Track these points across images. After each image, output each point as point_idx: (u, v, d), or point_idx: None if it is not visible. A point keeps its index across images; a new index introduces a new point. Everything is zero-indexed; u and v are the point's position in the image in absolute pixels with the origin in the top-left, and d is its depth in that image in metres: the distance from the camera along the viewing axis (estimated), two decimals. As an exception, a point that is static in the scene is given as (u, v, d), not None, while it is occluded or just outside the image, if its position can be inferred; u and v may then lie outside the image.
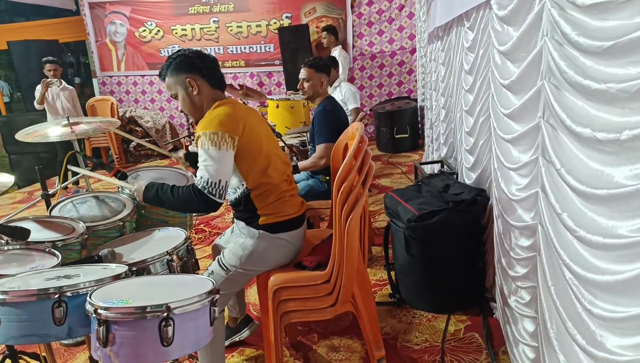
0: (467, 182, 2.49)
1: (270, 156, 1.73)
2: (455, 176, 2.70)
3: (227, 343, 2.08)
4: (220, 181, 1.57)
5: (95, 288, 1.29)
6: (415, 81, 6.23)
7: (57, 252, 1.67)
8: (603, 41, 0.96)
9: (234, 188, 1.74)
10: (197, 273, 1.84)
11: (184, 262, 1.80)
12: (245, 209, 1.74)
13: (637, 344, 0.88)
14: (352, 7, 6.28)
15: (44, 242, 1.75)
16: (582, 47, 1.05)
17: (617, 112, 0.94)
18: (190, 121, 4.57)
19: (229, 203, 1.82)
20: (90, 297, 1.21)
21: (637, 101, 0.87)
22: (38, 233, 1.82)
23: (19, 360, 1.75)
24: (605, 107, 0.99)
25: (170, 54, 1.79)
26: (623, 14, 0.90)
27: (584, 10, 1.04)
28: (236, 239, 1.78)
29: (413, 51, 6.22)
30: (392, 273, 2.48)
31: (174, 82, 1.73)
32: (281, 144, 3.11)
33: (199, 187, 1.57)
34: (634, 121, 0.88)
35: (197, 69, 1.71)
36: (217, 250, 1.99)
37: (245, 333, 2.13)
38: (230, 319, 2.14)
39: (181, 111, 1.83)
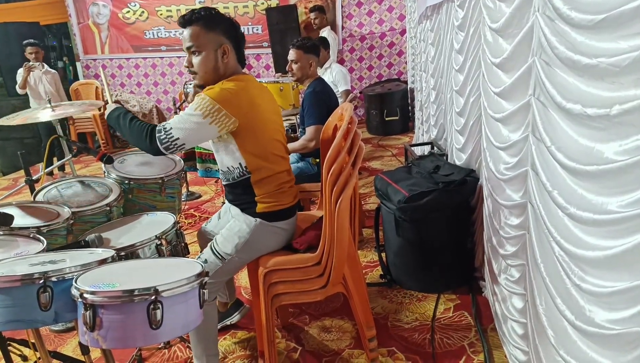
0: (457, 163, 2.49)
1: (275, 142, 1.68)
2: (445, 158, 2.70)
3: (218, 327, 2.08)
4: (179, 139, 1.52)
5: (81, 272, 1.27)
6: (405, 63, 6.19)
7: (42, 238, 1.64)
8: (594, 15, 0.94)
9: (229, 165, 1.66)
10: (187, 258, 1.82)
11: (174, 246, 1.78)
12: (243, 194, 1.69)
13: (625, 318, 0.89)
14: (341, -14, 6.17)
15: (28, 228, 1.71)
16: (573, 21, 1.03)
17: (608, 88, 0.93)
18: (178, 105, 4.50)
19: (224, 184, 1.76)
20: (76, 282, 1.19)
21: (628, 75, 0.86)
22: (22, 219, 1.79)
23: (8, 347, 1.74)
24: (595, 82, 0.98)
25: (197, 8, 1.61)
26: (615, -15, 0.88)
27: (575, -17, 1.02)
28: (230, 226, 1.72)
29: (403, 32, 6.16)
30: (383, 255, 2.49)
31: (205, 37, 1.57)
32: None
33: (157, 129, 1.54)
34: (623, 96, 0.88)
35: (235, 39, 1.63)
36: (204, 237, 1.96)
37: (235, 317, 2.13)
38: (220, 304, 2.13)
39: (186, 68, 1.66)
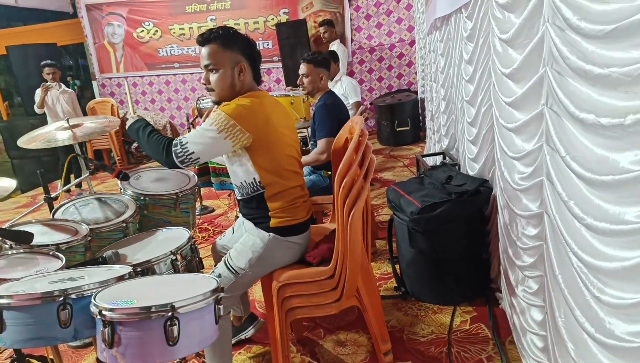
0: (470, 173, 2.48)
1: (288, 158, 1.70)
2: (457, 167, 2.69)
3: (232, 341, 2.08)
4: (194, 153, 1.56)
5: (99, 289, 1.29)
6: (415, 73, 6.20)
7: (61, 255, 1.67)
8: (605, 25, 0.94)
9: (243, 180, 1.68)
10: (202, 272, 1.83)
11: (188, 262, 1.80)
12: (257, 208, 1.70)
13: (646, 331, 0.87)
14: (349, 0, 6.24)
15: (47, 245, 1.75)
16: (583, 31, 1.03)
17: (621, 97, 0.93)
18: (191, 120, 4.56)
19: (238, 198, 1.77)
20: (94, 299, 1.21)
21: (641, 84, 0.85)
22: (42, 237, 1.82)
23: (27, 364, 1.76)
24: (608, 92, 0.97)
25: (215, 27, 1.65)
26: (625, -4, 0.88)
27: (585, -6, 1.02)
28: (244, 240, 1.73)
29: (412, 43, 6.19)
30: (397, 266, 2.47)
31: (222, 55, 1.61)
32: None
33: (173, 142, 1.58)
34: (638, 105, 0.87)
35: (251, 57, 1.67)
36: (217, 251, 1.97)
37: (250, 332, 2.12)
38: (234, 318, 2.14)
39: (203, 85, 1.69)
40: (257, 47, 1.73)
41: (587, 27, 1.01)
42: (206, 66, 1.65)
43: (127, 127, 1.77)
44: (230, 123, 1.54)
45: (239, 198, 1.77)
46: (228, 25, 1.74)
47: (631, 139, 0.90)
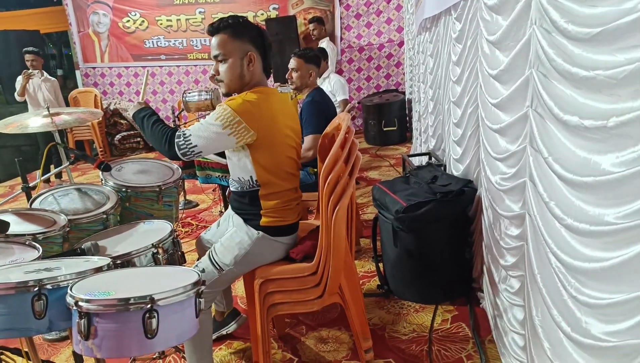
0: (455, 173, 2.50)
1: (288, 159, 1.68)
2: (443, 168, 2.71)
3: (214, 336, 2.06)
4: (196, 146, 1.54)
5: (76, 280, 1.25)
6: (403, 74, 6.23)
7: (37, 245, 1.63)
8: (591, 28, 0.95)
9: (241, 176, 1.66)
10: (184, 266, 1.81)
11: (170, 255, 1.77)
12: (249, 204, 1.68)
13: (621, 330, 0.89)
14: (340, -2, 6.24)
15: (24, 235, 1.70)
16: (570, 34, 1.05)
17: (605, 100, 0.94)
18: (176, 113, 4.50)
19: (232, 190, 1.75)
20: (71, 289, 1.18)
21: (625, 87, 0.87)
22: (18, 226, 1.77)
23: (0, 356, 1.71)
24: (593, 94, 0.99)
25: (226, 17, 1.62)
26: (611, 0, 0.90)
27: (572, -3, 1.03)
28: (232, 236, 1.70)
29: (401, 44, 6.21)
30: (380, 265, 2.48)
31: (231, 45, 1.58)
32: None
33: (176, 134, 1.56)
34: (621, 108, 0.88)
35: (262, 47, 1.64)
36: (202, 245, 1.95)
37: (232, 327, 2.11)
38: (216, 313, 2.12)
39: (212, 76, 1.67)
40: (269, 39, 1.69)
41: (574, 30, 1.02)
42: (215, 57, 1.62)
43: (131, 113, 1.74)
44: (235, 120, 1.51)
45: (232, 189, 1.75)
46: (239, 15, 1.70)
47: (614, 141, 0.91)
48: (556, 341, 1.17)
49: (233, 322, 2.11)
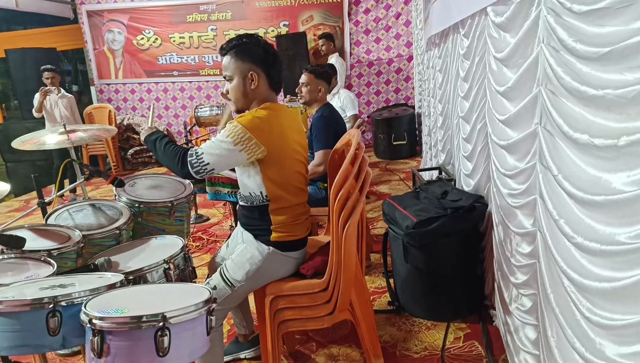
0: (466, 188, 2.49)
1: (297, 174, 1.71)
2: (453, 183, 2.70)
3: (229, 358, 2.05)
4: (209, 164, 1.56)
5: (90, 297, 1.27)
6: (413, 88, 6.25)
7: (52, 261, 1.65)
8: (600, 47, 0.96)
9: (251, 191, 1.68)
10: (195, 282, 1.82)
11: (181, 270, 1.78)
12: (259, 220, 1.69)
13: (636, 352, 0.87)
14: (349, 15, 6.32)
15: (39, 251, 1.73)
16: (578, 53, 1.05)
17: (615, 118, 0.94)
18: (188, 128, 4.57)
19: (241, 205, 1.76)
20: (85, 307, 1.20)
21: (635, 106, 0.87)
22: (33, 242, 1.81)
23: (13, 371, 1.73)
24: (602, 113, 0.99)
25: (233, 37, 1.68)
26: (619, 20, 0.90)
27: (580, 17, 1.04)
28: (242, 252, 1.71)
29: (410, 59, 6.25)
30: (391, 281, 2.46)
31: (234, 66, 1.65)
32: None
33: (189, 153, 1.58)
34: (631, 127, 0.88)
35: (264, 64, 1.67)
36: (214, 268, 1.95)
37: (250, 353, 2.06)
38: (239, 335, 2.11)
39: (225, 94, 1.73)
40: (277, 55, 1.72)
41: (582, 49, 1.03)
42: (224, 77, 1.69)
43: (142, 138, 1.78)
44: (246, 136, 1.54)
45: (242, 204, 1.76)
46: (249, 33, 1.74)
47: (624, 160, 0.91)
48: (572, 362, 1.15)
49: (253, 348, 2.06)
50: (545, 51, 1.24)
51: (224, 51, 1.67)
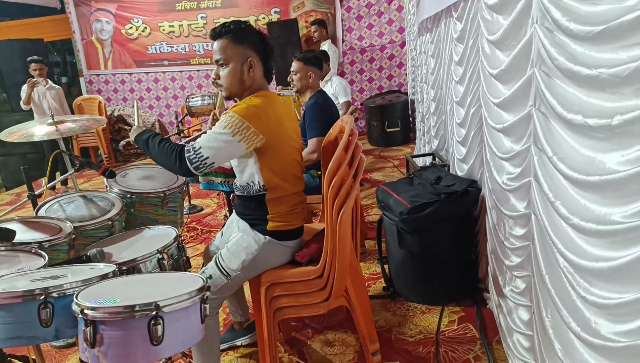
0: (459, 174, 2.49)
1: (294, 162, 1.69)
2: (446, 168, 2.70)
3: (225, 346, 2.05)
4: (208, 158, 1.52)
5: (82, 288, 1.26)
6: (406, 75, 6.22)
7: (43, 253, 1.64)
8: (593, 26, 0.95)
9: (248, 181, 1.65)
10: (189, 271, 1.81)
11: (175, 260, 1.77)
12: (256, 209, 1.67)
13: (631, 330, 0.88)
14: (340, 1, 6.24)
15: (30, 243, 1.71)
16: (572, 32, 1.04)
17: (608, 98, 0.93)
18: (180, 118, 4.52)
19: (237, 195, 1.74)
20: (76, 297, 1.19)
21: (628, 85, 0.86)
22: (24, 234, 1.79)
23: (8, 364, 1.72)
24: (596, 93, 0.98)
25: (228, 22, 1.63)
26: (613, -3, 0.89)
27: (573, -5, 1.03)
28: (238, 241, 1.69)
29: (403, 45, 6.21)
30: (386, 267, 2.47)
31: (232, 51, 1.59)
32: None
33: (185, 149, 1.54)
34: (625, 106, 0.87)
35: (262, 52, 1.64)
36: (208, 257, 1.94)
37: (246, 340, 2.07)
38: (235, 323, 2.11)
39: (213, 80, 1.68)
40: (270, 44, 1.70)
41: (576, 29, 1.02)
42: (217, 61, 1.63)
43: (132, 138, 1.73)
44: (244, 125, 1.51)
45: (238, 194, 1.74)
46: (241, 20, 1.70)
47: (618, 140, 0.91)
48: (567, 342, 1.16)
49: (249, 335, 2.07)
50: (539, 31, 1.23)
51: (218, 34, 1.61)
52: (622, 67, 0.85)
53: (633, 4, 0.82)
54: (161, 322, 1.12)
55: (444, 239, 2.17)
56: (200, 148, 1.52)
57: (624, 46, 0.87)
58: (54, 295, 1.22)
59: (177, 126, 4.27)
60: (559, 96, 1.14)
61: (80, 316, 1.14)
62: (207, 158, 1.52)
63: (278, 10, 6.40)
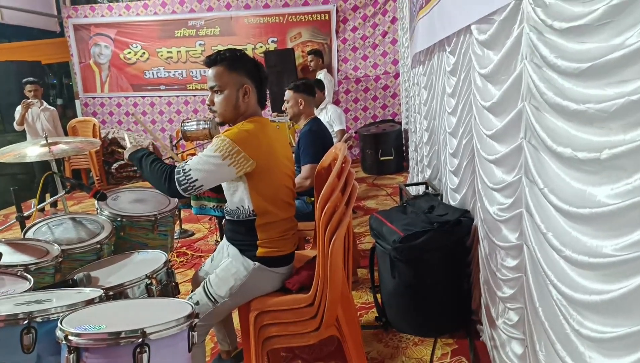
0: (452, 203, 2.50)
1: (285, 188, 1.69)
2: (439, 198, 2.71)
3: None
4: (197, 180, 1.52)
5: (67, 313, 1.23)
6: (400, 105, 6.33)
7: (29, 276, 1.60)
8: (580, 63, 0.98)
9: (238, 206, 1.65)
10: (178, 298, 1.77)
11: (164, 286, 1.74)
12: (245, 234, 1.66)
13: (625, 365, 0.87)
14: (336, 32, 6.40)
15: (16, 265, 1.67)
16: (560, 69, 1.07)
17: (597, 132, 0.96)
18: (174, 142, 4.53)
19: (227, 219, 1.73)
20: (61, 323, 1.15)
21: (616, 120, 0.88)
22: (10, 256, 1.75)
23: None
24: (584, 127, 1.00)
25: (223, 49, 1.67)
26: (599, 37, 0.92)
27: (561, 34, 1.07)
28: (227, 267, 1.67)
29: (397, 76, 6.34)
30: (378, 296, 2.44)
31: (227, 78, 1.62)
32: None
33: (175, 170, 1.54)
34: (613, 141, 0.89)
35: (257, 80, 1.67)
36: (197, 283, 1.91)
37: None
38: (222, 352, 2.06)
39: (207, 106, 1.69)
40: (264, 71, 1.73)
41: (564, 65, 1.05)
42: (212, 88, 1.65)
43: (127, 155, 1.75)
44: (234, 149, 1.51)
45: (228, 218, 1.73)
46: (237, 48, 1.75)
47: (607, 173, 0.92)
48: (560, 376, 1.14)
49: None
50: (528, 67, 1.27)
51: (213, 61, 1.64)
52: (610, 103, 0.88)
53: (618, 42, 0.85)
54: (147, 349, 1.09)
55: (436, 268, 2.16)
56: (190, 170, 1.53)
57: (611, 83, 0.89)
58: (38, 319, 1.18)
59: (171, 150, 4.27)
60: (549, 130, 1.17)
61: (64, 342, 1.10)
62: (196, 180, 1.52)
63: (275, 39, 6.54)
